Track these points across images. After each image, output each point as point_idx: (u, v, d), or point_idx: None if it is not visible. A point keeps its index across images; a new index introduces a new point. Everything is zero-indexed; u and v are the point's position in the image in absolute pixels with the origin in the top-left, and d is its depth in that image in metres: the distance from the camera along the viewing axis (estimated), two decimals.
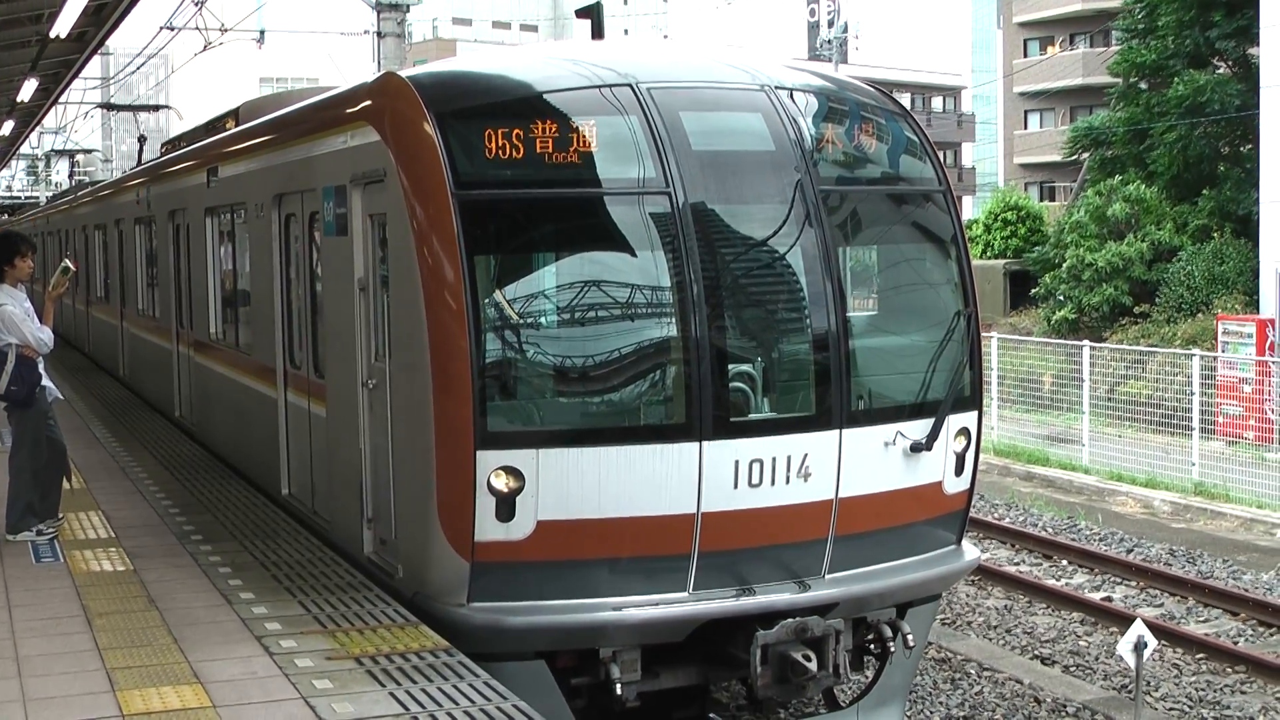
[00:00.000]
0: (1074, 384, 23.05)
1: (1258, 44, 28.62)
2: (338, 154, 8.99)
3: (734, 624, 7.81)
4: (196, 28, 22.87)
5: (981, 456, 9.17)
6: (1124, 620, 12.43)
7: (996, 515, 18.40)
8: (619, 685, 7.62)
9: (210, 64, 44.52)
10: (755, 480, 7.67)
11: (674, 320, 7.72)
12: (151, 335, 17.04)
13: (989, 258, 38.35)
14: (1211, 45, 31.88)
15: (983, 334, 9.39)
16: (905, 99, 57.33)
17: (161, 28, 24.93)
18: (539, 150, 7.61)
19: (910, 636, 8.54)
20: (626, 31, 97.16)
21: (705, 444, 7.56)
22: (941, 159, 9.10)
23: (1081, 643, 12.81)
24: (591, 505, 7.50)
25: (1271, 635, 13.12)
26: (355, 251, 8.77)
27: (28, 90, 23.17)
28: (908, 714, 10.05)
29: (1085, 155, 37.19)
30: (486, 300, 7.62)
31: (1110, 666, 12.02)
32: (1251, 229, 28.74)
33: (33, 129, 38.72)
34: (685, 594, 7.72)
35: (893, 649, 8.55)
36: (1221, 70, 32.44)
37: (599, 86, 8.03)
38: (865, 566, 8.22)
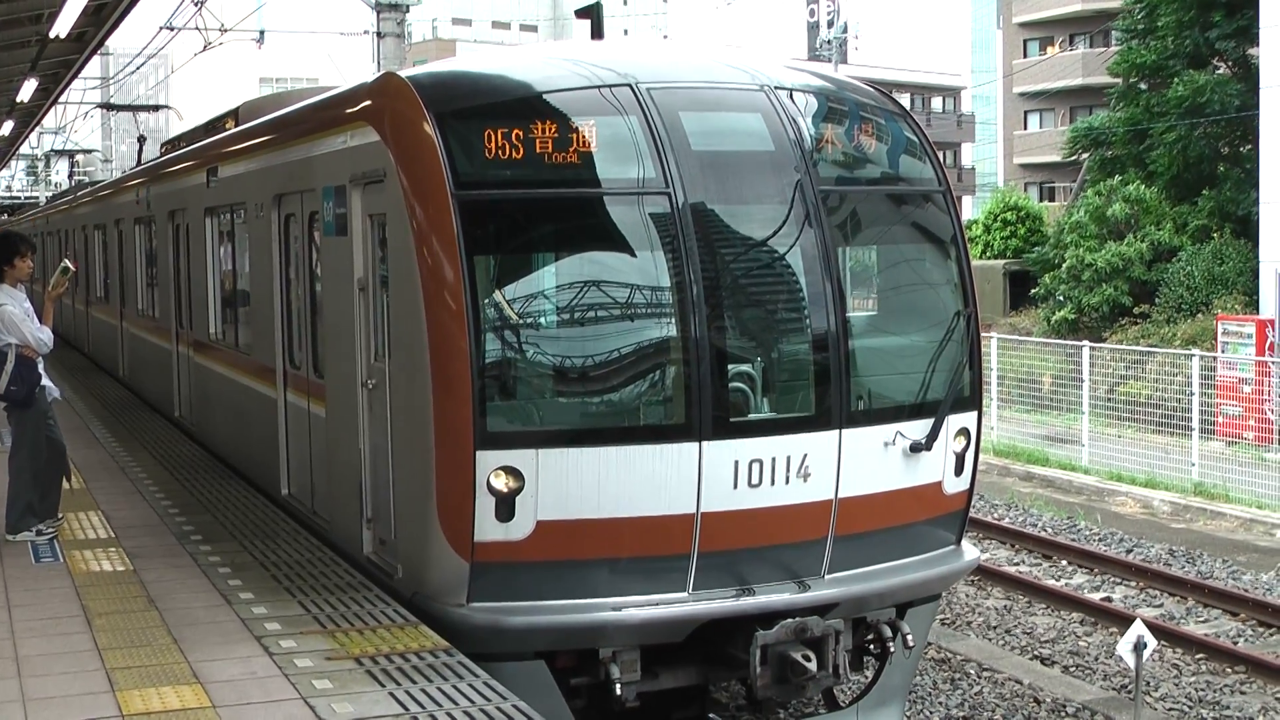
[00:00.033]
0: (1073, 384, 23.05)
1: (1257, 44, 28.61)
2: (337, 154, 8.99)
3: (733, 624, 7.81)
4: (196, 28, 22.87)
5: (981, 457, 9.17)
6: (1124, 620, 12.43)
7: (996, 515, 18.40)
8: (618, 685, 7.62)
9: (210, 64, 44.54)
10: (755, 480, 7.67)
11: (674, 320, 7.72)
12: (151, 335, 17.04)
13: (989, 258, 38.36)
14: (1211, 46, 31.88)
15: (982, 334, 9.39)
16: (905, 99, 57.32)
17: (161, 28, 24.94)
18: (539, 150, 7.61)
19: (910, 637, 8.54)
20: (626, 32, 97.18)
21: (705, 444, 7.56)
22: (941, 159, 9.10)
23: (1081, 643, 12.81)
24: (591, 505, 7.50)
25: (1271, 635, 13.12)
26: (355, 252, 8.77)
27: (27, 90, 23.18)
28: (907, 714, 10.05)
29: (1085, 155, 37.20)
30: (486, 300, 7.62)
31: (1110, 667, 12.02)
32: (1251, 229, 28.75)
33: (32, 129, 38.73)
34: (685, 594, 7.72)
35: (892, 649, 8.55)
36: (1221, 71, 32.45)
37: (599, 87, 8.03)
38: (865, 567, 8.22)
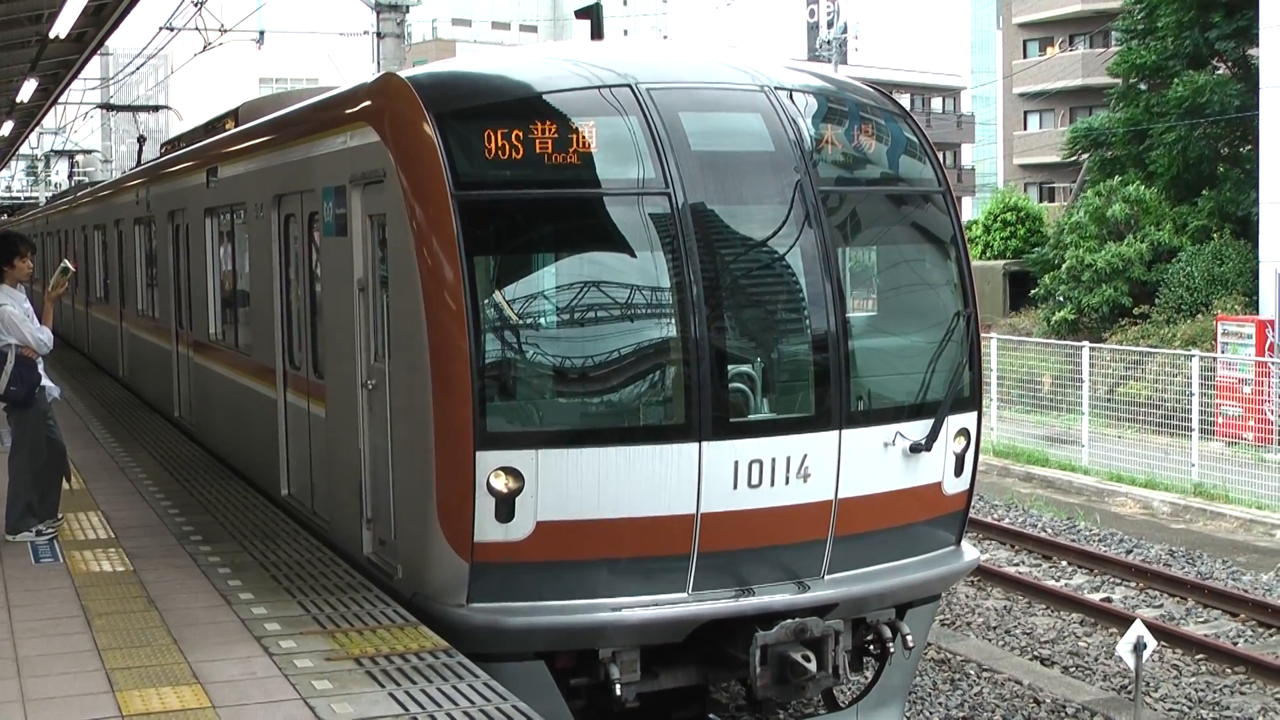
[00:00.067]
0: (1073, 385, 23.04)
1: (1257, 45, 28.62)
2: (337, 154, 8.99)
3: (733, 624, 7.81)
4: (196, 28, 22.88)
5: (981, 457, 9.17)
6: (1123, 621, 12.43)
7: (996, 516, 18.40)
8: (618, 686, 7.62)
9: (210, 64, 44.55)
10: (755, 481, 7.67)
11: (673, 321, 7.72)
12: (151, 336, 17.04)
13: (988, 258, 38.37)
14: (1211, 46, 31.89)
15: (982, 335, 9.39)
16: (905, 100, 57.37)
17: (161, 28, 24.94)
18: (538, 151, 7.61)
19: (910, 637, 8.54)
20: (626, 32, 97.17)
21: (705, 444, 7.56)
22: (941, 160, 9.11)
23: (1081, 643, 12.81)
24: (591, 506, 7.50)
25: (1271, 636, 13.12)
26: (355, 252, 8.77)
27: (27, 90, 23.17)
28: (907, 714, 10.05)
29: (1085, 156, 37.21)
30: (486, 301, 7.62)
31: (1110, 667, 12.02)
32: (1251, 230, 28.75)
33: (32, 129, 38.73)
34: (684, 594, 7.72)
35: (892, 649, 8.56)
36: (1221, 71, 32.45)
37: (598, 87, 8.03)
38: (865, 567, 8.22)
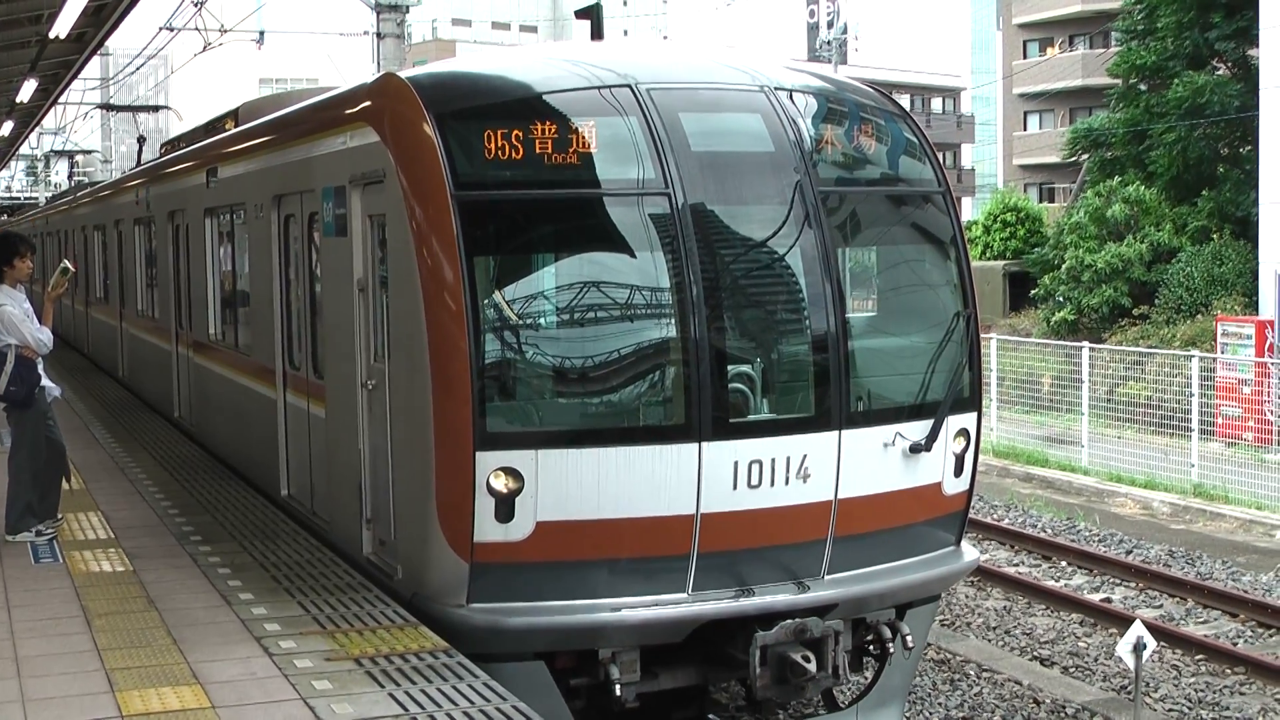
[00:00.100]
0: (1073, 385, 23.05)
1: (1257, 45, 28.63)
2: (337, 155, 8.99)
3: (733, 625, 7.81)
4: (196, 28, 22.88)
5: (981, 457, 9.17)
6: (1123, 621, 12.43)
7: (996, 516, 18.40)
8: (618, 686, 7.62)
9: (210, 65, 44.54)
10: (754, 481, 7.67)
11: (673, 321, 7.72)
12: (151, 336, 17.04)
13: (988, 259, 38.37)
14: (1211, 46, 31.89)
15: (982, 335, 9.39)
16: (905, 100, 57.37)
17: (161, 28, 24.94)
18: (538, 151, 7.61)
19: (909, 637, 8.54)
20: (626, 32, 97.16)
21: (704, 445, 7.56)
22: (941, 160, 9.11)
23: (1081, 644, 12.81)
24: (591, 506, 7.50)
25: (1271, 636, 13.12)
26: (354, 252, 8.77)
27: (27, 91, 23.17)
28: (907, 715, 10.05)
29: (1084, 156, 37.22)
30: (486, 301, 7.62)
31: (1109, 668, 12.02)
32: (1251, 230, 28.75)
33: (32, 129, 38.72)
34: (684, 595, 7.72)
35: (892, 650, 8.56)
36: (1221, 71, 32.46)
37: (598, 87, 8.03)
38: (864, 567, 8.22)
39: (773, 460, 7.71)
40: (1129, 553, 16.20)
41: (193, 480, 12.08)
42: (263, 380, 11.16)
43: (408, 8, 18.77)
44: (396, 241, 7.94)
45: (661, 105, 7.94)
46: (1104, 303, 30.59)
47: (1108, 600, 14.25)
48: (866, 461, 8.06)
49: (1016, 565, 15.87)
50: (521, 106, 7.88)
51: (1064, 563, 15.89)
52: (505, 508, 7.41)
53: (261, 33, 28.35)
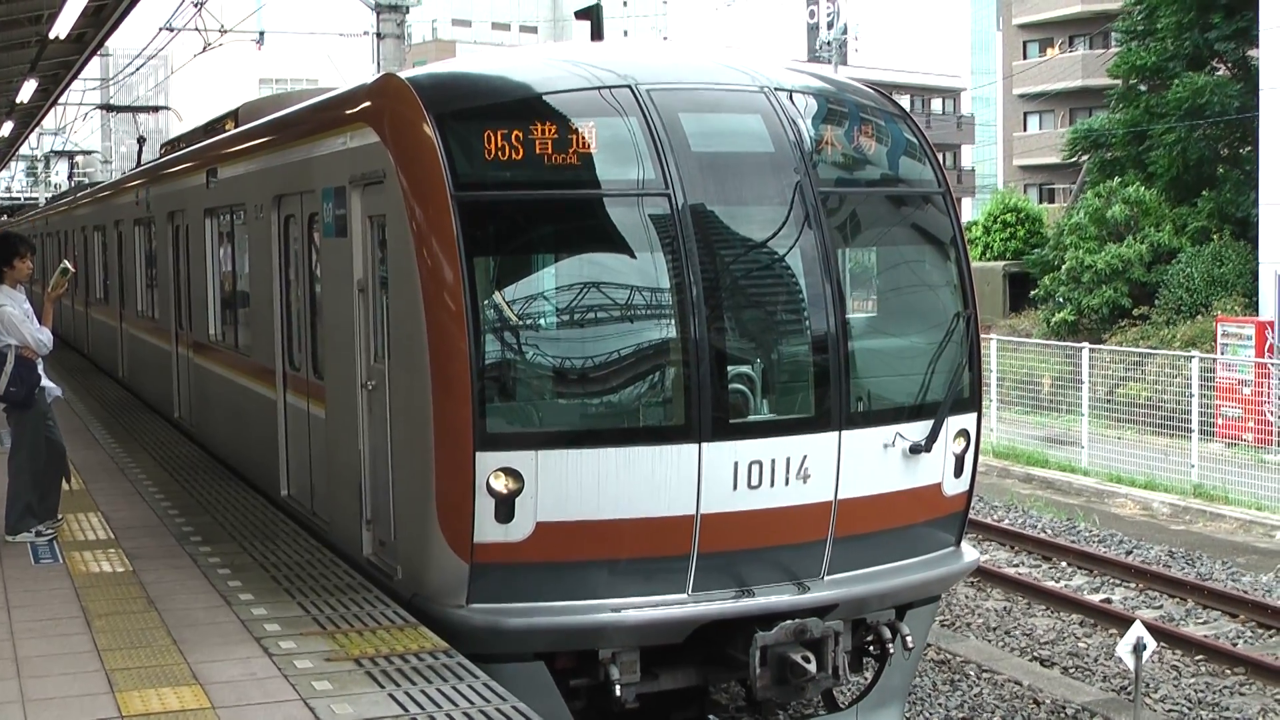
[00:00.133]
0: (1073, 386, 23.05)
1: (1257, 46, 28.64)
2: (337, 155, 8.99)
3: (733, 625, 7.81)
4: (196, 29, 22.90)
5: (981, 458, 9.17)
6: (1123, 622, 12.43)
7: (995, 517, 18.40)
8: (618, 687, 7.62)
9: (210, 65, 44.56)
10: (754, 482, 7.67)
11: (673, 322, 7.72)
12: (151, 336, 17.04)
13: (988, 259, 38.39)
14: (1211, 47, 31.91)
15: (982, 336, 9.39)
16: (904, 101, 57.37)
17: (161, 29, 24.95)
18: (538, 152, 7.61)
19: (909, 638, 8.54)
20: (626, 33, 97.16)
21: (704, 445, 7.56)
22: (941, 161, 9.11)
23: (1081, 644, 12.81)
24: (591, 507, 7.50)
25: (1270, 637, 13.12)
26: (354, 253, 8.77)
27: (27, 91, 23.17)
28: (907, 715, 10.05)
29: (1084, 157, 37.24)
30: (486, 302, 7.62)
31: (1109, 668, 12.02)
32: (1251, 231, 28.77)
33: (32, 130, 38.73)
34: (684, 595, 7.72)
35: (892, 650, 8.56)
36: (1221, 72, 32.48)
37: (598, 88, 8.03)
38: (864, 568, 8.22)
39: (773, 461, 7.71)
40: (1129, 553, 16.20)
41: (193, 481, 12.08)
42: (263, 381, 11.16)
43: (408, 8, 18.78)
44: (396, 242, 7.94)
45: (661, 106, 7.94)
46: (1104, 303, 30.60)
47: (1108, 601, 14.25)
48: (866, 462, 8.06)
49: (1016, 566, 15.87)
50: (521, 107, 7.88)
51: (1064, 563, 15.89)
52: (505, 508, 7.41)
53: (261, 33, 28.37)
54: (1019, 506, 19.20)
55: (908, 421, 8.28)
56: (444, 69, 9.54)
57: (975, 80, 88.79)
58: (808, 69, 10.11)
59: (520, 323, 7.79)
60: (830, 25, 50.73)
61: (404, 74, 8.65)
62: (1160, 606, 14.11)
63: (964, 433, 8.66)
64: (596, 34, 10.60)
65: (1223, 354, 23.57)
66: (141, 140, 29.58)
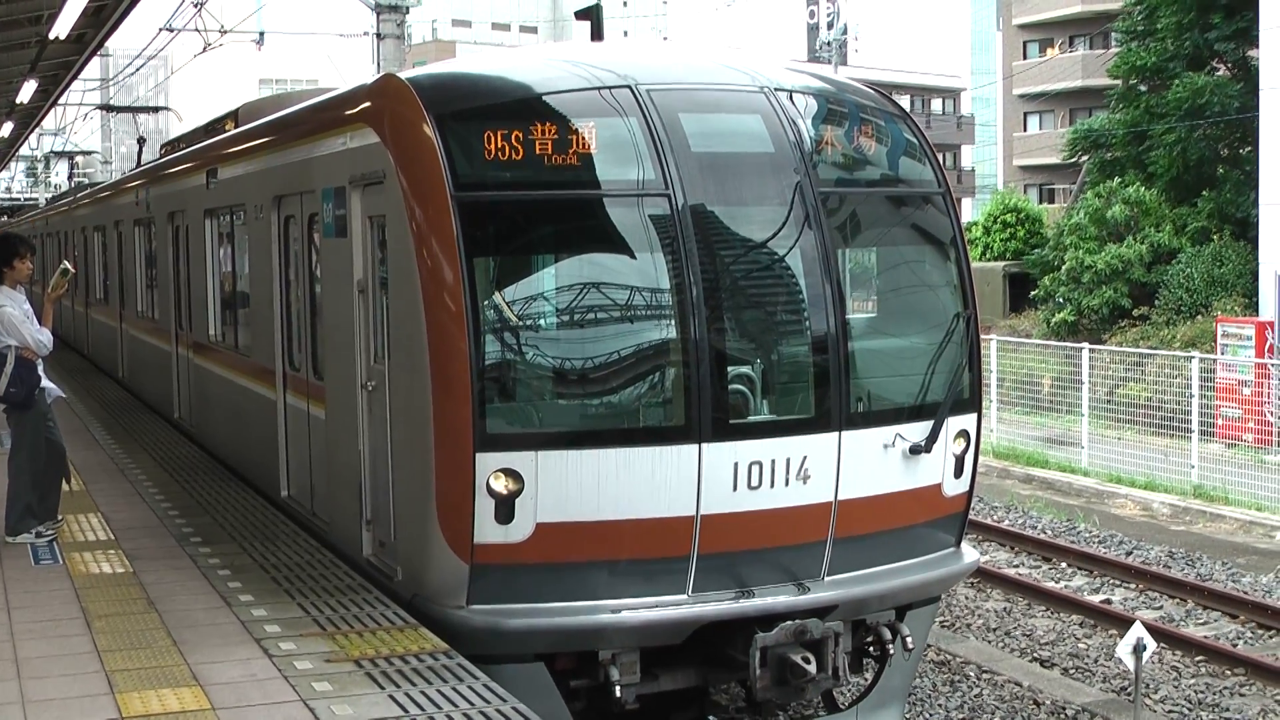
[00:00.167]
0: (1073, 386, 23.05)
1: (1257, 46, 28.64)
2: (337, 156, 8.99)
3: (733, 626, 7.81)
4: (196, 29, 22.89)
5: (981, 459, 9.17)
6: (1123, 623, 12.43)
7: (995, 517, 18.40)
8: (618, 687, 7.62)
9: (210, 65, 44.53)
10: (754, 482, 7.67)
11: (673, 322, 7.72)
12: (151, 337, 17.04)
13: (988, 260, 38.38)
14: (1211, 47, 31.91)
15: (982, 336, 9.39)
16: (904, 101, 57.38)
17: (161, 29, 24.95)
18: (538, 152, 7.61)
19: (909, 639, 8.53)
20: (626, 33, 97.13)
21: (704, 446, 7.56)
22: (941, 161, 9.11)
23: (1081, 645, 12.81)
24: (591, 507, 7.50)
25: (1271, 638, 13.12)
26: (354, 253, 8.77)
27: (27, 91, 23.16)
28: (907, 716, 10.04)
29: (1084, 157, 37.23)
30: (486, 302, 7.62)
31: (1109, 669, 12.02)
32: (1251, 231, 28.77)
33: (32, 130, 38.72)
34: (684, 596, 7.72)
35: (892, 651, 8.56)
36: (1221, 72, 32.47)
37: (598, 88, 8.03)
38: (864, 569, 8.22)
39: (773, 461, 7.70)
40: (1129, 554, 16.20)
41: (193, 481, 12.08)
42: (263, 381, 11.16)
43: (408, 8, 18.77)
44: (396, 242, 7.94)
45: (661, 106, 7.93)
46: (1104, 304, 30.60)
47: (1108, 601, 14.25)
48: (866, 463, 8.05)
49: (1016, 566, 15.86)
50: (521, 107, 7.87)
51: (1064, 564, 15.89)
52: (505, 509, 7.41)
53: (261, 33, 28.36)
54: (1019, 507, 19.20)
55: (908, 422, 8.28)
56: (444, 69, 9.54)
57: (975, 80, 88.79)
58: (808, 69, 10.10)
59: (520, 323, 7.78)
60: (830, 25, 50.73)
61: (404, 74, 8.65)
62: (1160, 607, 14.11)
63: (964, 433, 8.66)
64: (596, 34, 10.60)
65: (1223, 354, 23.57)
66: (141, 141, 29.60)
